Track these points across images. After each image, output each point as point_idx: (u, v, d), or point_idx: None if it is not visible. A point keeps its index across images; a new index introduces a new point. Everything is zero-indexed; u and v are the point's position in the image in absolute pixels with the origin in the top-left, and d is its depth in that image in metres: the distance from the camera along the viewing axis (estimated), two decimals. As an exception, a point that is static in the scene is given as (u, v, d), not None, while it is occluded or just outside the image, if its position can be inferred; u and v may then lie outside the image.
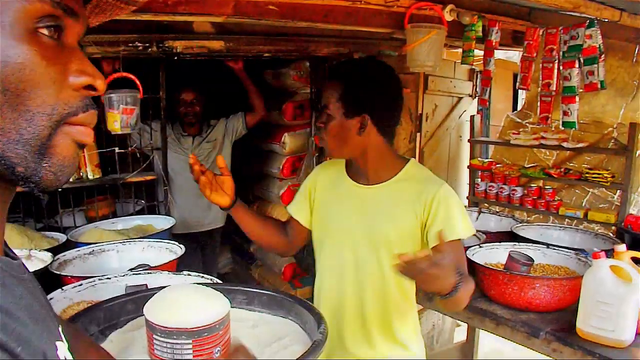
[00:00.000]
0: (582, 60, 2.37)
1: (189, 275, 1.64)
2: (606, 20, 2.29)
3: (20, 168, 0.48)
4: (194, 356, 0.93)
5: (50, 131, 0.50)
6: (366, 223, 1.52)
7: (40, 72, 0.48)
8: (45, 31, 0.49)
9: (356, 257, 1.53)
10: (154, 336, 0.94)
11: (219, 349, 0.94)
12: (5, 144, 0.47)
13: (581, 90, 2.42)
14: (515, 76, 3.61)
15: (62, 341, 0.53)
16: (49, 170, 0.50)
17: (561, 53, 2.44)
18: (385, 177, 1.54)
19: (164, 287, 1.09)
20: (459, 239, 1.46)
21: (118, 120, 2.51)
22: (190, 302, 0.96)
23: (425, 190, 1.48)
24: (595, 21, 2.28)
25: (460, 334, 3.64)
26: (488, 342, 3.54)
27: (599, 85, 2.35)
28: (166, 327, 0.92)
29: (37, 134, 0.48)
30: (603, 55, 2.35)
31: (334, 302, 1.57)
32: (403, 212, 1.49)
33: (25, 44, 0.47)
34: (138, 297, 1.17)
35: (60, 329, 0.56)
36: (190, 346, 0.92)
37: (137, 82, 2.54)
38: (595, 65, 2.33)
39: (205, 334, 0.92)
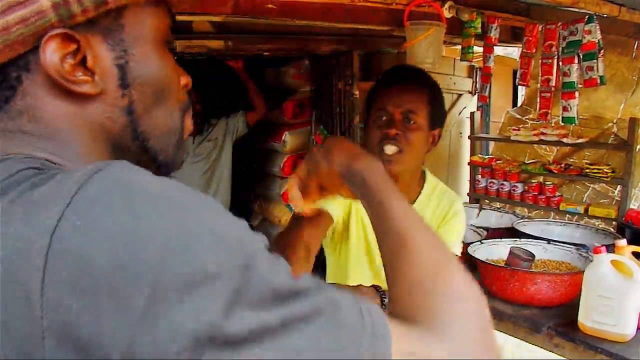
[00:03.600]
0: (581, 56, 2.37)
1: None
2: (605, 15, 2.29)
3: (162, 156, 0.58)
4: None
5: (181, 124, 0.60)
6: None
7: (173, 77, 0.59)
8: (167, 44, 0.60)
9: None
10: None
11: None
12: (155, 138, 0.57)
13: (581, 85, 2.42)
14: (514, 72, 3.60)
15: None
16: (181, 157, 0.61)
17: (560, 49, 2.44)
18: (414, 194, 1.44)
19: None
20: None
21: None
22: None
23: (445, 204, 1.46)
24: (594, 16, 2.28)
25: (462, 330, 3.65)
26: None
27: (598, 81, 2.35)
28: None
29: (176, 127, 0.59)
30: (602, 51, 2.35)
31: None
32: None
33: (165, 55, 0.57)
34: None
35: None
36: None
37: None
38: (595, 61, 2.33)
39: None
